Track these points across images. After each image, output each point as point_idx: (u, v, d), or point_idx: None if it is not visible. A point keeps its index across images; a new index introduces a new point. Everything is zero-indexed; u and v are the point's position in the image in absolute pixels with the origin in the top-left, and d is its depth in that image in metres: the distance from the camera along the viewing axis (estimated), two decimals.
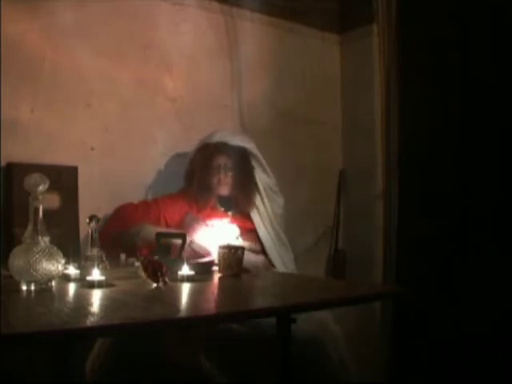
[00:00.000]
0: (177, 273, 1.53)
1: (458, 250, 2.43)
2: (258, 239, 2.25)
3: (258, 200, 2.29)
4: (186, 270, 1.54)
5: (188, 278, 1.52)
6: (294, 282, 1.81)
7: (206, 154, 2.24)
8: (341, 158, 3.10)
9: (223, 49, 2.68)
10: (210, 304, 1.29)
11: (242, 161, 2.27)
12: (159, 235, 1.81)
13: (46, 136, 2.15)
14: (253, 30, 2.74)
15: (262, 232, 2.26)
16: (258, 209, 2.28)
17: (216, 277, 1.66)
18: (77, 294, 1.37)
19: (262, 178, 2.30)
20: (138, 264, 1.60)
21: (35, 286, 1.32)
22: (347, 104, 3.10)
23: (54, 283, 1.37)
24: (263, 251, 2.24)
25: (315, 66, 3.00)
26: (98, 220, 1.60)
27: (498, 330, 2.25)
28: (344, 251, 3.01)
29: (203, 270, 1.67)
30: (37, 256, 1.31)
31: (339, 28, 3.09)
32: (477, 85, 2.40)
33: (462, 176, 2.46)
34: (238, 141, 2.29)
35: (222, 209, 2.25)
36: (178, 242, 1.79)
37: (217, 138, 2.26)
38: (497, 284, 2.26)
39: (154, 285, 1.42)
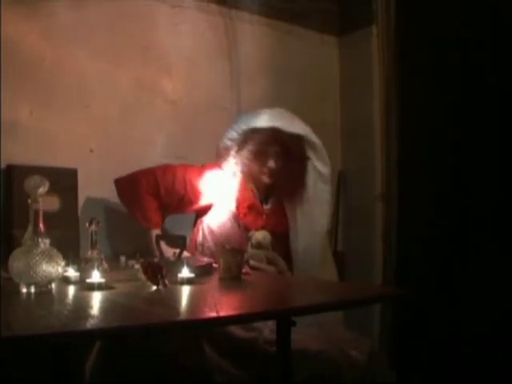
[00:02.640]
0: (176, 275, 1.53)
1: (457, 250, 2.44)
2: (288, 253, 2.12)
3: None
4: (185, 273, 1.54)
5: (188, 281, 1.52)
6: (294, 284, 1.81)
7: (255, 140, 2.06)
8: (340, 159, 3.10)
9: (222, 50, 2.68)
10: (211, 306, 1.29)
11: (296, 151, 2.09)
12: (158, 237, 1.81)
13: (46, 138, 2.15)
14: (252, 31, 2.74)
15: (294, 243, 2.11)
16: (295, 219, 2.11)
17: (216, 279, 1.66)
18: (76, 297, 1.37)
19: (316, 165, 2.08)
20: (137, 266, 1.60)
21: (35, 288, 1.32)
22: (347, 105, 3.10)
23: (53, 285, 1.37)
24: (290, 269, 2.11)
25: (314, 67, 3.00)
26: (97, 222, 1.60)
27: (498, 329, 2.25)
28: (343, 252, 3.01)
29: (203, 273, 1.67)
30: (37, 258, 1.31)
31: (338, 30, 3.09)
32: (477, 85, 2.41)
33: (462, 176, 2.46)
34: (293, 127, 2.05)
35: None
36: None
37: (267, 122, 2.02)
38: (497, 284, 2.26)
39: (154, 287, 1.42)
